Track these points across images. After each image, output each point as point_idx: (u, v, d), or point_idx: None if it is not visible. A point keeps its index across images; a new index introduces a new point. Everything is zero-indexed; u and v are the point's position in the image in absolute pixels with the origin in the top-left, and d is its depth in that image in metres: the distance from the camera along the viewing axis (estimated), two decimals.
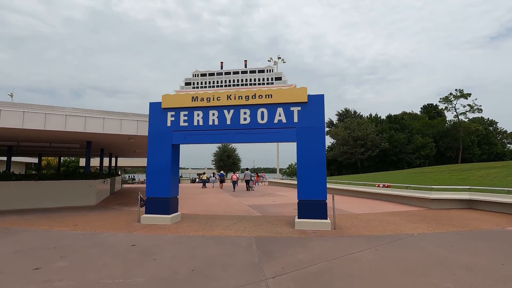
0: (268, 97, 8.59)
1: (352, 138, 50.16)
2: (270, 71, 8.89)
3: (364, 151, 47.29)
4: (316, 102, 8.43)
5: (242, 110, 8.79)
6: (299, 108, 8.49)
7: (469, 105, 49.47)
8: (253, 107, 8.73)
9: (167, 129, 9.13)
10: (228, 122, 8.82)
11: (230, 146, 52.35)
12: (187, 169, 74.81)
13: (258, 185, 30.93)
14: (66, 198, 12.94)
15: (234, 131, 8.77)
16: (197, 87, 9.27)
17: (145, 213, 8.98)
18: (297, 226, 7.98)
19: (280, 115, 8.57)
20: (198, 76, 9.31)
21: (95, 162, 36.12)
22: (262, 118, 8.66)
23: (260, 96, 8.63)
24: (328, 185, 21.74)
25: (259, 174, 34.07)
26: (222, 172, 39.10)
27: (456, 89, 52.25)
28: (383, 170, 43.54)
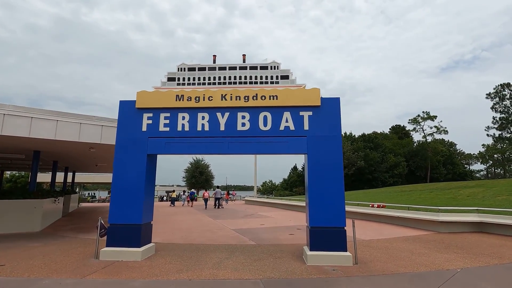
0: (273, 98, 7.02)
1: None
2: (275, 68, 7.38)
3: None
4: (330, 107, 7.01)
5: (240, 114, 7.10)
6: (310, 113, 7.00)
7: (435, 126, 52.39)
8: (254, 111, 7.08)
9: (141, 135, 7.12)
10: (222, 128, 7.06)
11: (203, 162, 49.65)
12: (155, 185, 70.07)
13: (227, 203, 31.54)
14: (0, 223, 10.02)
15: (230, 139, 7.01)
16: (183, 84, 7.46)
17: (107, 245, 6.72)
18: (310, 261, 6.24)
19: (287, 121, 7.00)
20: (184, 70, 7.52)
21: (46, 177, 31.71)
22: (265, 125, 7.02)
23: (263, 97, 7.03)
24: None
25: (229, 192, 35.15)
26: (193, 190, 37.95)
27: (423, 112, 55.28)
28: (358, 188, 43.47)
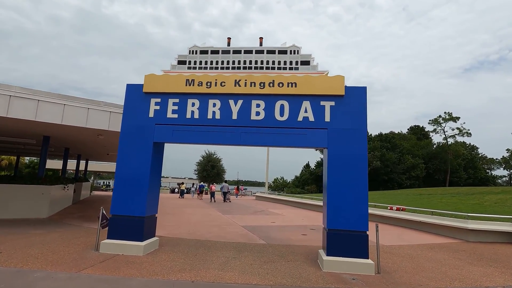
0: (291, 86, 6.35)
1: None
2: (295, 53, 6.68)
3: None
4: (356, 97, 6.27)
5: (254, 102, 6.48)
6: (333, 103, 6.29)
7: (458, 128, 49.84)
8: (270, 99, 6.44)
9: (148, 121, 6.63)
10: (235, 116, 6.47)
11: (215, 156, 49.45)
12: (167, 177, 70.78)
13: (237, 197, 31.83)
14: (6, 208, 9.88)
15: (242, 129, 6.41)
16: (195, 68, 6.90)
17: (108, 238, 6.31)
18: (327, 267, 5.60)
19: (306, 112, 6.32)
20: (196, 53, 6.95)
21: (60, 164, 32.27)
22: (282, 114, 6.37)
23: (281, 84, 6.37)
24: (320, 203, 19.62)
25: (239, 187, 35.34)
26: (202, 183, 38.47)
27: (445, 112, 52.70)
28: (373, 189, 42.11)
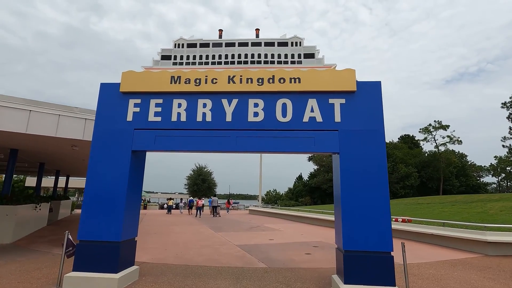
0: (295, 81, 5.46)
1: None
2: (297, 45, 5.84)
3: None
4: (369, 93, 5.42)
5: (252, 101, 5.54)
6: (343, 100, 5.41)
7: (448, 136, 50.20)
8: (270, 97, 5.52)
9: (126, 126, 5.58)
10: (229, 118, 5.50)
11: (206, 169, 47.98)
12: (156, 193, 68.48)
13: (228, 212, 30.62)
14: None
15: (238, 132, 5.43)
16: (181, 64, 5.94)
17: (74, 269, 5.09)
18: None
19: (312, 111, 5.42)
20: (182, 47, 6.01)
21: (49, 182, 30.33)
22: (284, 115, 5.44)
23: (282, 80, 5.47)
24: (318, 216, 18.64)
25: (229, 201, 33.94)
26: (191, 198, 37.15)
27: (435, 121, 53.24)
28: None
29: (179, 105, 5.62)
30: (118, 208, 5.24)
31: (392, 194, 44.42)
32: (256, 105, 5.52)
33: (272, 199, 63.74)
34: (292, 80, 5.47)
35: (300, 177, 64.61)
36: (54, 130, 7.53)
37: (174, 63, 5.91)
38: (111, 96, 5.75)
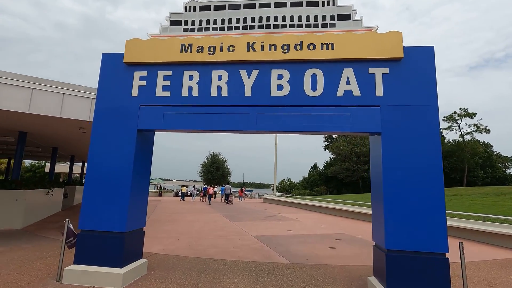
0: (327, 48, 4.55)
1: (355, 154, 46.84)
2: (329, 4, 4.90)
3: (368, 168, 43.86)
4: (420, 61, 4.44)
5: (275, 72, 4.69)
6: (386, 70, 4.47)
7: (475, 125, 47.32)
8: (297, 67, 4.65)
9: (131, 102, 4.89)
10: (248, 93, 4.69)
11: (220, 157, 47.77)
12: (171, 180, 69.36)
13: (241, 200, 31.36)
14: None
15: (259, 109, 4.62)
16: (193, 30, 5.13)
17: (75, 262, 4.55)
18: None
19: (348, 83, 4.52)
20: (194, 10, 5.19)
21: (65, 168, 30.84)
22: (314, 88, 4.57)
23: (312, 47, 4.57)
24: (338, 206, 17.68)
25: (242, 189, 34.75)
26: (205, 186, 37.34)
27: (460, 108, 50.25)
28: None
29: (191, 77, 4.85)
30: (122, 195, 4.62)
31: None
32: (280, 76, 4.66)
33: (286, 187, 63.19)
34: (324, 46, 4.56)
35: (315, 166, 63.43)
36: (59, 110, 6.98)
37: (185, 29, 5.11)
38: (115, 68, 5.05)
